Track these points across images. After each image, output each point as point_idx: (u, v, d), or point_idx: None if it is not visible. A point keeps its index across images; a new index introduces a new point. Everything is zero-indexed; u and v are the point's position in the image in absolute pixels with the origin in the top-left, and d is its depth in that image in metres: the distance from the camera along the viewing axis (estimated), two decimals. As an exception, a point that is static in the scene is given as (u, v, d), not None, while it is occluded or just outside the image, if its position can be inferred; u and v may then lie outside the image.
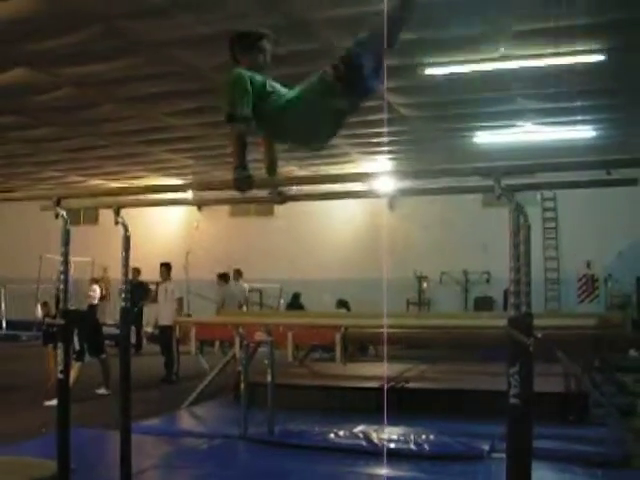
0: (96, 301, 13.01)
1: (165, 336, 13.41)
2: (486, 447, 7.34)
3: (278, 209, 23.18)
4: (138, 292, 15.87)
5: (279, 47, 5.11)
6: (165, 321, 13.56)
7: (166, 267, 14.43)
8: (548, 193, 20.04)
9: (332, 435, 7.92)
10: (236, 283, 17.74)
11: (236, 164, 4.67)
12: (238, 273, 18.08)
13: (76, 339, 11.45)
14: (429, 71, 11.43)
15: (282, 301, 21.02)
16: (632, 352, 14.83)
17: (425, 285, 21.63)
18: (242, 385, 8.47)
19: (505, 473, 3.60)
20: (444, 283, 21.40)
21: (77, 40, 9.94)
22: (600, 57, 10.83)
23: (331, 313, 14.21)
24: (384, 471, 6.92)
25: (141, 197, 10.06)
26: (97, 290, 13.11)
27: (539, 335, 3.68)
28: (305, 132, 4.84)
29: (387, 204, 20.76)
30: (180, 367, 13.72)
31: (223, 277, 17.14)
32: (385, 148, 17.68)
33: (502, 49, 10.54)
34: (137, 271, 17.45)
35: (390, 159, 19.06)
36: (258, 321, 10.83)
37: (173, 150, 17.94)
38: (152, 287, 16.69)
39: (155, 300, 15.13)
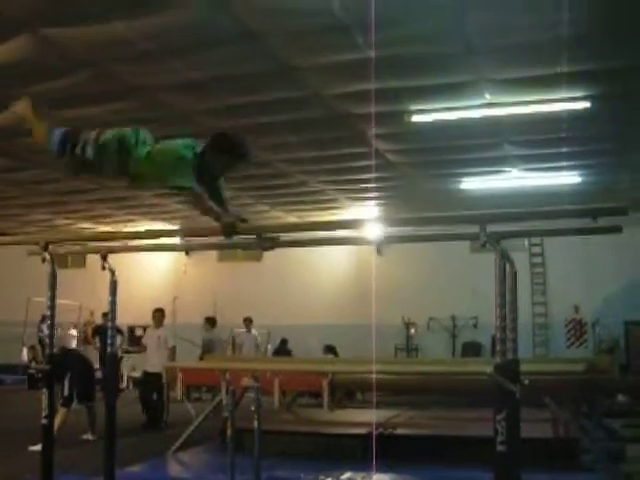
0: (74, 345, 12.86)
1: (156, 383, 12.94)
2: (474, 494, 7.28)
3: (266, 254, 23.14)
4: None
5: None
6: (156, 368, 12.95)
7: (160, 313, 14.09)
8: (536, 239, 20.12)
9: (319, 483, 7.86)
10: (247, 331, 17.84)
11: (215, 215, 4.83)
12: (249, 321, 18.09)
13: (67, 384, 11.34)
14: (415, 118, 11.54)
15: (269, 346, 20.93)
16: (620, 397, 14.79)
17: (413, 331, 21.60)
18: (228, 431, 8.39)
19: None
20: (432, 329, 21.39)
21: (67, 84, 10.02)
22: (585, 104, 10.95)
23: (318, 359, 14.16)
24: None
25: (128, 242, 10.09)
26: (74, 333, 12.98)
27: (526, 381, 3.68)
28: None
29: (375, 250, 20.81)
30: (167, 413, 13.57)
31: (210, 321, 16.96)
32: (373, 194, 17.77)
33: (487, 96, 10.66)
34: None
35: (378, 205, 19.14)
36: (245, 367, 10.77)
37: (161, 195, 17.95)
38: (140, 332, 16.58)
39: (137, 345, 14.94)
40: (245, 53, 9.18)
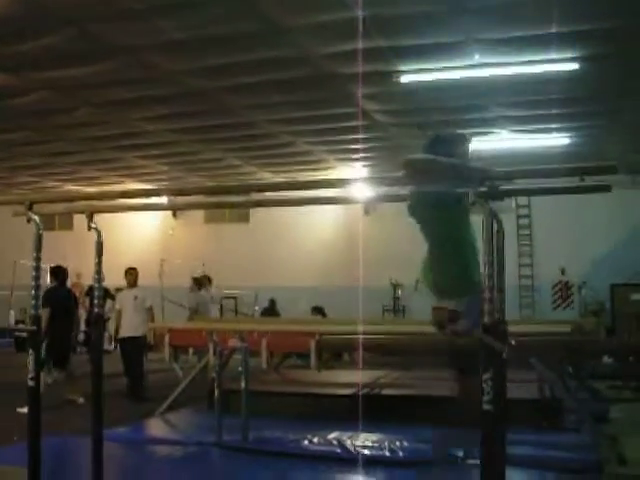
0: None
1: (135, 347, 12.48)
2: (460, 453, 7.33)
3: (254, 216, 23.17)
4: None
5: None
6: (134, 332, 12.45)
7: (134, 271, 13.20)
8: (523, 200, 20.08)
9: (306, 442, 7.88)
10: (205, 290, 17.16)
11: None
12: (207, 280, 17.55)
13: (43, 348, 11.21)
14: (404, 78, 11.46)
15: (257, 308, 20.95)
16: (606, 359, 14.91)
17: (400, 292, 21.63)
18: (216, 392, 8.42)
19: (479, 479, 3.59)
20: (419, 290, 21.36)
21: (51, 43, 9.90)
22: (574, 65, 10.90)
23: (306, 320, 14.15)
24: (358, 478, 6.91)
25: (115, 202, 10.02)
26: None
27: (513, 342, 3.68)
28: None
29: (363, 210, 20.78)
30: (154, 375, 13.44)
31: (197, 282, 16.69)
32: (361, 155, 17.71)
33: (477, 57, 10.58)
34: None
35: (366, 165, 19.08)
36: (232, 327, 10.78)
37: (148, 156, 17.89)
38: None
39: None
40: (232, 12, 9.09)
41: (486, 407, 3.49)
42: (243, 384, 8.32)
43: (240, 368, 8.44)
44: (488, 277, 3.56)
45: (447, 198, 4.64)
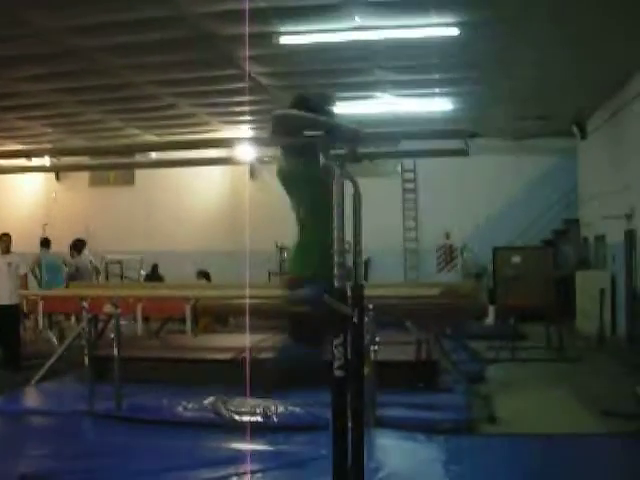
0: None
1: (9, 316, 11.83)
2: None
3: (138, 179, 22.73)
4: None
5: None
6: (8, 300, 11.85)
7: (7, 237, 12.52)
8: (408, 164, 20.26)
9: (180, 409, 7.82)
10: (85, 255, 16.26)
11: None
12: (82, 244, 16.40)
13: None
14: (284, 40, 11.33)
15: (143, 272, 20.62)
16: (488, 320, 15.28)
17: (286, 255, 21.61)
18: (86, 359, 8.26)
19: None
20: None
21: None
22: (454, 31, 10.97)
23: (183, 284, 13.93)
24: (231, 444, 6.87)
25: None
26: None
27: (371, 306, 3.65)
28: None
29: (249, 173, 20.61)
30: (29, 343, 13.03)
31: (75, 246, 15.92)
32: (246, 117, 17.54)
33: (357, 19, 10.54)
34: None
35: (251, 128, 18.91)
36: (106, 293, 10.55)
37: (29, 117, 17.33)
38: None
39: None
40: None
41: (337, 373, 3.45)
42: (115, 350, 8.18)
43: (112, 334, 8.31)
44: (337, 241, 3.51)
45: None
